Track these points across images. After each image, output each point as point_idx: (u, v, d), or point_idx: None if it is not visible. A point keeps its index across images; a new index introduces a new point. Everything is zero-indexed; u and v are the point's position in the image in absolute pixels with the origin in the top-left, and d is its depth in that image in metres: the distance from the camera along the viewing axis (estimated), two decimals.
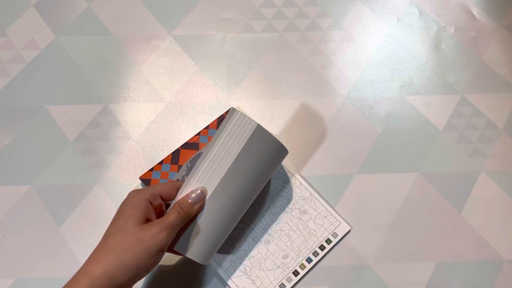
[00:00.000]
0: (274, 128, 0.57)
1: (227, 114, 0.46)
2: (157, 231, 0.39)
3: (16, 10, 0.65)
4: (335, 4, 0.66)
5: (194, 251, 0.43)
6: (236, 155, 0.44)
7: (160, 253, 0.40)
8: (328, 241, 0.51)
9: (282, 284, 0.49)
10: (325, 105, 0.59)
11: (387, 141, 0.57)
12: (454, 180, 0.55)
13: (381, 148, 0.56)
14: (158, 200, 0.43)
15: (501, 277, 0.49)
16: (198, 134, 0.55)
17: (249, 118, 0.45)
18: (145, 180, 0.53)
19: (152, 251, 0.39)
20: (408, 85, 0.61)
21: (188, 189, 0.44)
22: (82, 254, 0.50)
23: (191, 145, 0.55)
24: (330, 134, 0.57)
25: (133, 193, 0.42)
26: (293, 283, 0.49)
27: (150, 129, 0.57)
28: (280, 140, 0.56)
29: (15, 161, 0.55)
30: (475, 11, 0.66)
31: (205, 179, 0.44)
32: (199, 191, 0.43)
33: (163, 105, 0.59)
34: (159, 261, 0.40)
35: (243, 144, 0.44)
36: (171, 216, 0.41)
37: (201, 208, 0.44)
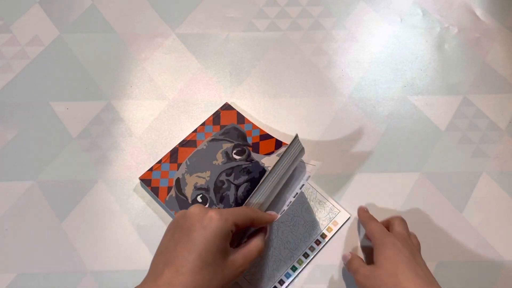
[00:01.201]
0: (276, 126, 0.58)
1: (293, 141, 0.45)
2: (240, 264, 0.38)
3: (21, 6, 0.65)
4: (338, 3, 0.66)
5: None
6: (285, 177, 0.46)
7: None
8: (329, 229, 0.51)
9: (288, 273, 0.49)
10: (327, 104, 0.59)
11: (389, 141, 0.57)
12: (456, 180, 0.55)
13: (383, 148, 0.56)
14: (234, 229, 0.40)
15: (502, 277, 0.49)
16: (195, 131, 0.56)
17: (300, 143, 0.46)
18: (145, 180, 0.53)
19: (230, 284, 0.38)
20: (411, 85, 0.61)
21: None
22: (84, 250, 0.50)
23: (188, 143, 0.55)
24: (332, 134, 0.57)
25: (219, 223, 0.37)
26: (299, 271, 0.49)
27: (152, 126, 0.57)
28: (282, 138, 0.57)
29: (18, 157, 0.55)
30: (479, 12, 0.66)
31: (264, 200, 0.44)
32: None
33: (166, 102, 0.59)
34: None
35: (293, 168, 0.47)
36: (255, 249, 0.40)
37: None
